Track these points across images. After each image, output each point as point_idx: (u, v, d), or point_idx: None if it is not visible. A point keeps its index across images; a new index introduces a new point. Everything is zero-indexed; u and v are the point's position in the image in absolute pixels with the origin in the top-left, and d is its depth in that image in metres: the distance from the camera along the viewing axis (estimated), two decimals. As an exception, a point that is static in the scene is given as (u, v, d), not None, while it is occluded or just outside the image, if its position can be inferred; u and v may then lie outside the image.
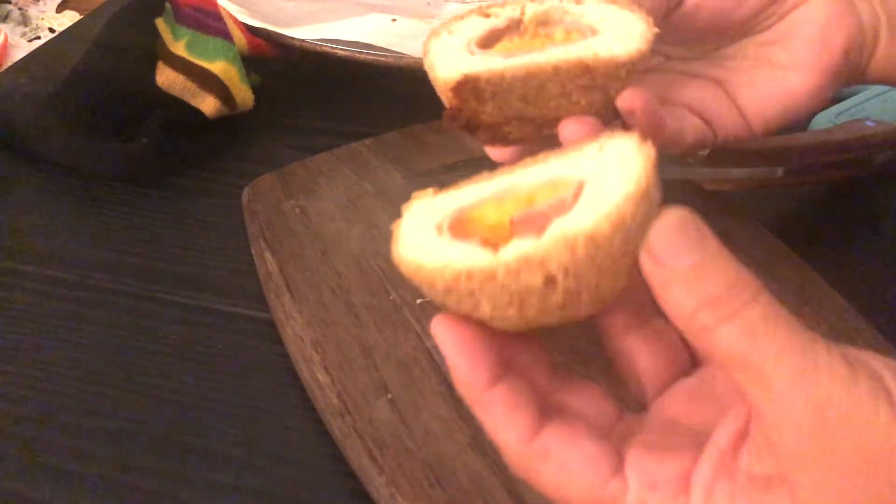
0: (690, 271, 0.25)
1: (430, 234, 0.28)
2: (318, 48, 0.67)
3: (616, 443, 0.28)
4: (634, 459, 0.27)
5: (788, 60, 0.42)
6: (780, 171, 0.56)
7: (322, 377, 0.43)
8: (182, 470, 0.41)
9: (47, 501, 0.40)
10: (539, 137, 0.36)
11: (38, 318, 0.50)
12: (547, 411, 0.28)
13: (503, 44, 0.35)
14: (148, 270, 0.53)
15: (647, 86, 0.33)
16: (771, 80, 0.42)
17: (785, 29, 0.42)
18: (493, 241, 0.27)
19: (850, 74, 0.43)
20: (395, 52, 0.67)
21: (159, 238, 0.56)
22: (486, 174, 0.30)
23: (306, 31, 0.70)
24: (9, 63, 0.75)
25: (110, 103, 0.61)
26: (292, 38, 0.69)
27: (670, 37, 0.41)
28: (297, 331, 0.46)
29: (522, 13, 0.36)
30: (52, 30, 0.82)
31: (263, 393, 0.45)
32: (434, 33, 0.36)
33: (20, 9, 0.84)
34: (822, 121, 0.61)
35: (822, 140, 0.56)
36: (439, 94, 0.35)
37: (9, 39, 0.79)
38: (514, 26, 0.36)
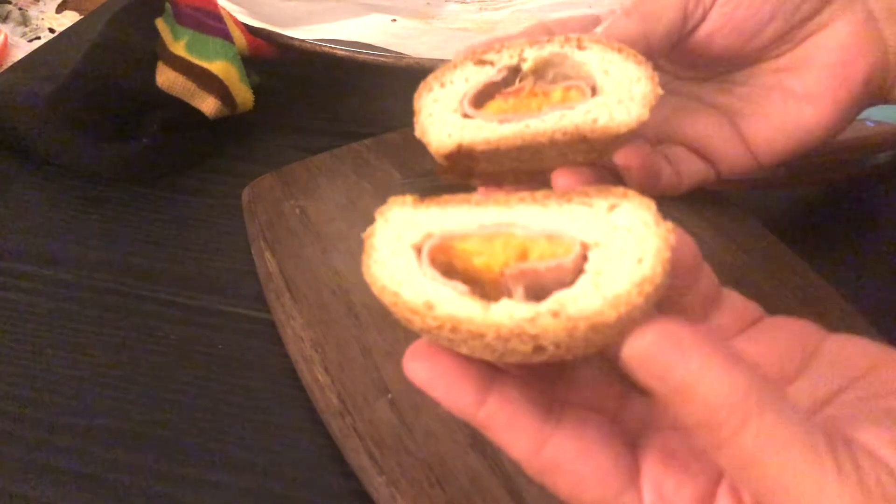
0: (678, 391, 0.23)
1: (409, 259, 0.26)
2: (318, 48, 0.67)
3: (627, 430, 0.27)
4: (651, 472, 0.26)
5: (803, 90, 0.39)
6: (780, 171, 0.56)
7: (322, 377, 0.43)
8: (182, 470, 0.41)
9: (47, 501, 0.40)
10: (535, 182, 0.34)
11: (38, 318, 0.50)
12: (553, 410, 0.27)
13: (498, 103, 0.33)
14: (148, 270, 0.53)
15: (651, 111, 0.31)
16: (783, 110, 0.39)
17: (802, 55, 0.39)
18: (479, 285, 0.25)
19: (871, 101, 0.40)
20: (395, 52, 0.67)
21: (159, 238, 0.56)
22: (475, 196, 0.27)
23: (306, 32, 0.70)
24: (9, 63, 0.75)
25: (110, 103, 0.61)
26: (292, 38, 0.69)
27: (680, 62, 0.39)
28: (297, 331, 0.46)
29: (521, 59, 0.33)
30: (52, 30, 0.82)
31: (263, 393, 0.45)
32: (426, 86, 0.33)
33: (20, 9, 0.84)
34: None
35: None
36: (431, 153, 0.34)
37: (9, 39, 0.79)
38: (511, 77, 0.33)
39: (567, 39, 0.33)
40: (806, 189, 0.59)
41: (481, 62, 0.33)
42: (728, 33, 0.38)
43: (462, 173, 0.34)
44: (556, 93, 0.32)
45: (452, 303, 0.25)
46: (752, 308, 0.31)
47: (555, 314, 0.23)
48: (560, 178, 0.32)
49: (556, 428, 0.26)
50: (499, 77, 0.33)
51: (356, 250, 0.52)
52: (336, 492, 0.40)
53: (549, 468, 0.26)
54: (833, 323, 0.44)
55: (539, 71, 0.33)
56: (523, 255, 0.26)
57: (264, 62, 0.69)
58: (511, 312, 0.24)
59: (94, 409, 0.44)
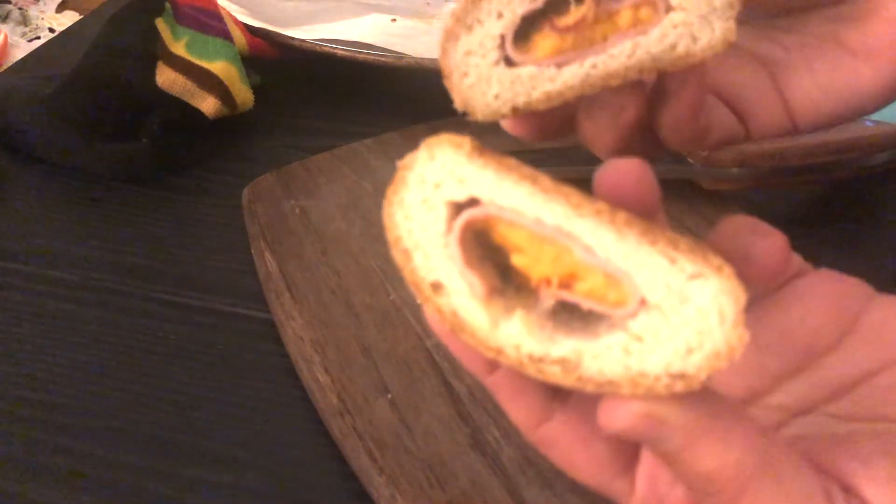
0: (664, 460, 0.22)
1: (439, 218, 0.22)
2: (318, 48, 0.67)
3: None
4: (649, 463, 0.26)
5: (862, 44, 0.32)
6: (779, 170, 0.56)
7: (322, 377, 0.43)
8: (182, 470, 0.41)
9: (47, 502, 0.40)
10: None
11: (38, 318, 0.50)
12: (560, 392, 0.25)
13: (549, 39, 0.25)
14: (148, 270, 0.53)
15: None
16: (835, 67, 0.33)
17: (866, 3, 0.33)
18: (506, 280, 0.22)
19: None
20: (395, 52, 0.67)
21: (159, 238, 0.56)
22: (543, 179, 0.22)
23: (306, 32, 0.70)
24: (9, 63, 0.75)
25: (110, 103, 0.60)
26: (292, 38, 0.69)
27: None
28: (296, 331, 0.46)
29: None
30: (51, 30, 0.82)
31: (263, 393, 0.45)
32: (451, 36, 0.25)
33: (20, 9, 0.84)
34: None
35: (822, 140, 0.56)
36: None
37: (9, 39, 0.79)
38: (556, 1, 0.25)
39: None
40: (806, 189, 0.59)
41: None
42: None
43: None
44: (625, 14, 0.25)
45: (462, 299, 0.22)
46: (793, 261, 0.28)
47: (565, 367, 0.21)
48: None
49: (559, 408, 0.25)
50: (538, 2, 0.25)
51: (356, 250, 0.52)
52: (336, 492, 0.40)
53: (546, 444, 0.26)
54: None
55: None
56: (570, 279, 0.22)
57: (264, 62, 0.69)
58: (520, 342, 0.21)
59: (94, 408, 0.44)
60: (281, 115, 0.68)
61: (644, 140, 0.30)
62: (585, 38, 0.25)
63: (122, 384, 0.46)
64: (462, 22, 0.25)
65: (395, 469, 0.38)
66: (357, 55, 0.67)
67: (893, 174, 0.59)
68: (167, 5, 0.64)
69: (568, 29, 0.25)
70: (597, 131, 0.28)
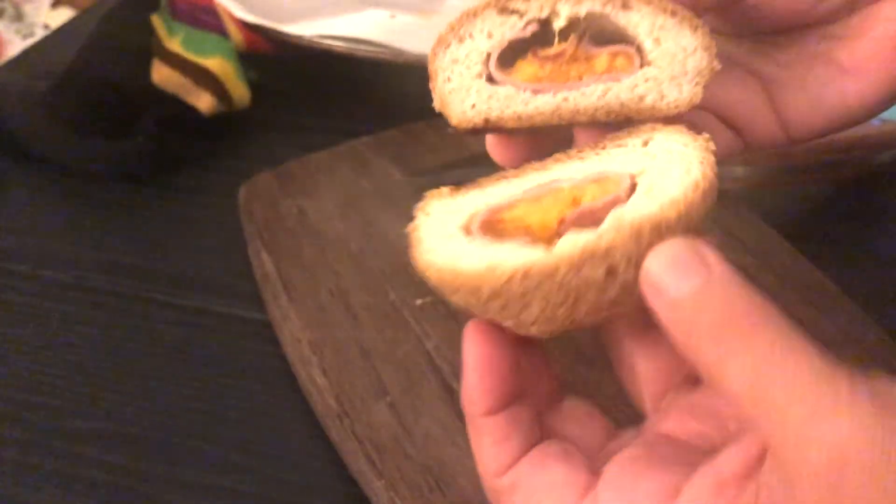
0: (690, 300, 0.23)
1: (458, 237, 0.26)
2: (315, 44, 0.67)
3: (599, 461, 0.28)
4: (611, 475, 0.27)
5: (850, 62, 0.35)
6: (785, 170, 0.56)
7: (320, 379, 0.43)
8: (179, 473, 0.41)
9: (40, 506, 0.39)
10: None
11: (35, 319, 0.49)
12: (531, 438, 0.28)
13: (531, 67, 0.28)
14: (144, 271, 0.53)
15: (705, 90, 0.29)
16: (824, 83, 0.35)
17: (856, 24, 0.35)
18: (539, 241, 0.25)
19: None
20: (394, 49, 0.67)
21: (155, 238, 0.56)
22: (510, 171, 0.27)
23: (304, 27, 0.70)
24: (3, 60, 0.75)
25: (105, 101, 0.60)
26: (290, 34, 0.68)
27: (723, 16, 0.35)
28: (294, 332, 0.46)
29: (553, 13, 0.28)
30: (46, 26, 0.82)
31: (260, 395, 0.45)
32: (442, 43, 0.29)
33: (15, 5, 0.84)
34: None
35: (828, 139, 0.56)
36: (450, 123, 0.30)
37: (3, 36, 0.79)
38: (541, 34, 0.29)
39: None
40: (811, 187, 0.59)
41: (505, 10, 0.28)
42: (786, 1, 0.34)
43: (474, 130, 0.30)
44: (601, 59, 0.28)
45: (516, 255, 0.24)
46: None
47: (618, 227, 0.24)
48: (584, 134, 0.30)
49: (524, 453, 0.28)
50: (527, 32, 0.28)
51: (355, 250, 0.52)
52: (335, 496, 0.40)
53: (508, 489, 0.28)
54: (839, 323, 0.44)
55: (573, 27, 0.28)
56: (576, 203, 0.26)
57: (261, 58, 0.68)
58: (575, 241, 0.24)
59: (89, 411, 0.44)
60: (278, 112, 0.68)
61: None
62: (563, 73, 0.28)
63: (116, 386, 0.45)
64: (455, 32, 0.28)
65: (395, 473, 0.38)
66: (355, 51, 0.66)
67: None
68: (162, 1, 0.64)
69: (548, 59, 0.28)
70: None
